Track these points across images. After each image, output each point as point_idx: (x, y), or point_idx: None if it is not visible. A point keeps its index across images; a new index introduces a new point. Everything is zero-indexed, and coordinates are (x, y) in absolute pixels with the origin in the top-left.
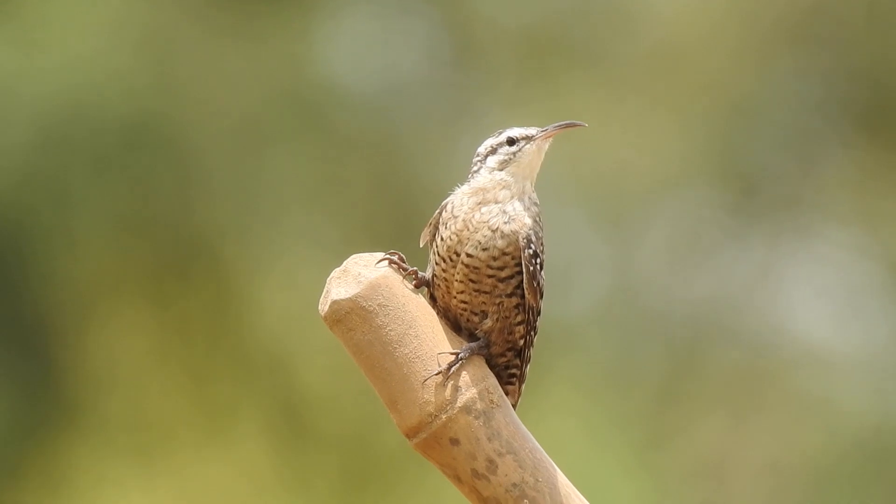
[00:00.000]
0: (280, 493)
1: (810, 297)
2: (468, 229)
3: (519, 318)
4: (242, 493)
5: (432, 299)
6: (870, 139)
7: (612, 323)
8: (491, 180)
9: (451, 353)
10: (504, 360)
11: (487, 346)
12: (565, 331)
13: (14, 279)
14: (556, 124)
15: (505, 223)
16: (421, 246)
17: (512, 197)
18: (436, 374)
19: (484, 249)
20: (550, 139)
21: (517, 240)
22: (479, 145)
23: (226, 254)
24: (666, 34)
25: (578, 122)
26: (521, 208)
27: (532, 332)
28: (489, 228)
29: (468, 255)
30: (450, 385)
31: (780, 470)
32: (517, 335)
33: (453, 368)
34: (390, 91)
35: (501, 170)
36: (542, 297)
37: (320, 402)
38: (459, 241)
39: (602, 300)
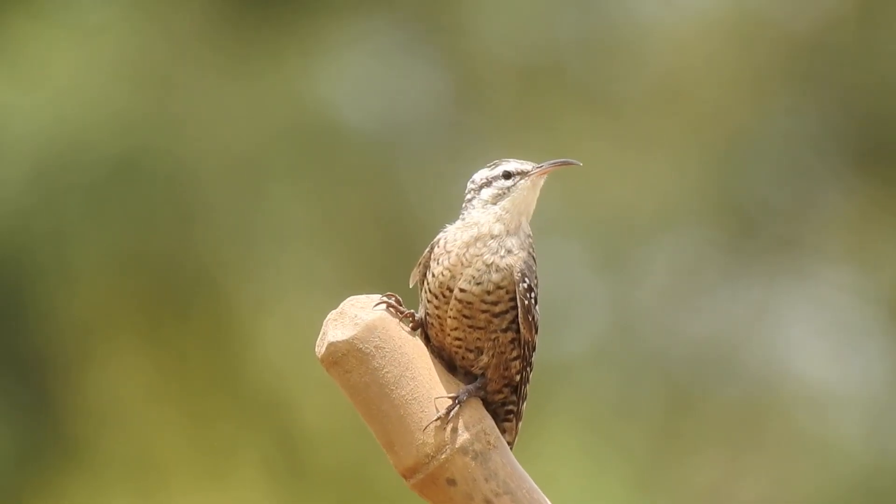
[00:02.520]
0: None
1: (808, 336)
2: (461, 264)
3: (515, 354)
4: None
5: (426, 339)
6: (866, 178)
7: (610, 360)
8: (485, 213)
9: (449, 398)
10: (500, 396)
11: (484, 386)
12: (563, 368)
13: (11, 315)
14: (552, 162)
15: (501, 257)
16: (410, 286)
17: (507, 231)
18: (436, 420)
19: (478, 284)
20: (545, 176)
21: (511, 273)
22: (473, 175)
23: (224, 291)
24: (664, 72)
25: (573, 160)
26: (517, 242)
27: (528, 368)
28: (483, 262)
29: (461, 290)
30: (448, 427)
31: None
32: (513, 371)
33: (452, 412)
34: (391, 129)
35: (495, 203)
36: (537, 331)
37: (319, 441)
38: (452, 277)
39: (600, 338)
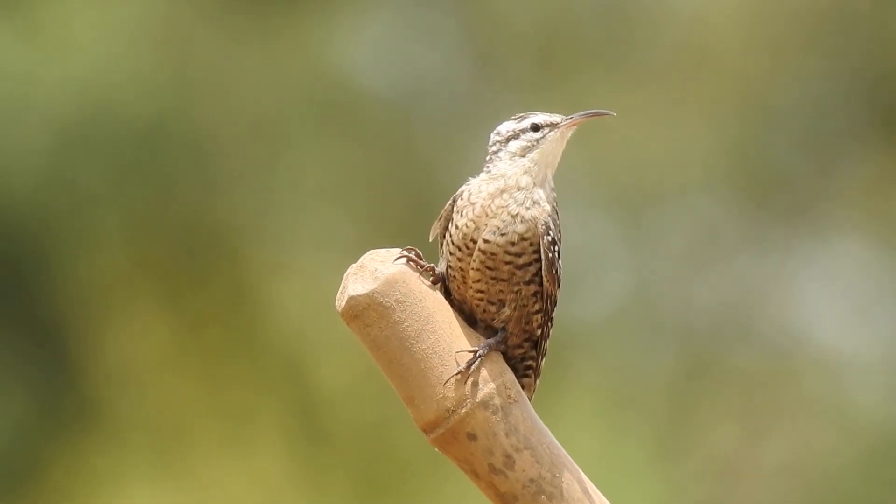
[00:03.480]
0: (296, 497)
1: (825, 302)
2: (486, 215)
3: (537, 307)
4: (258, 495)
5: (447, 293)
6: (884, 144)
7: (629, 326)
8: (512, 165)
9: (469, 352)
10: (521, 351)
11: (505, 340)
12: (582, 333)
13: (33, 281)
14: (582, 113)
15: (527, 209)
16: (430, 240)
17: (534, 184)
18: (456, 374)
19: (502, 234)
20: (574, 128)
21: (536, 225)
22: (497, 127)
23: (243, 254)
24: (684, 36)
25: (605, 111)
26: (543, 195)
27: (549, 323)
28: (508, 213)
29: (485, 241)
30: (468, 381)
31: (795, 474)
32: (534, 324)
33: (473, 366)
34: (408, 92)
35: (523, 156)
36: (559, 285)
37: (337, 404)
38: (476, 228)
39: (619, 303)
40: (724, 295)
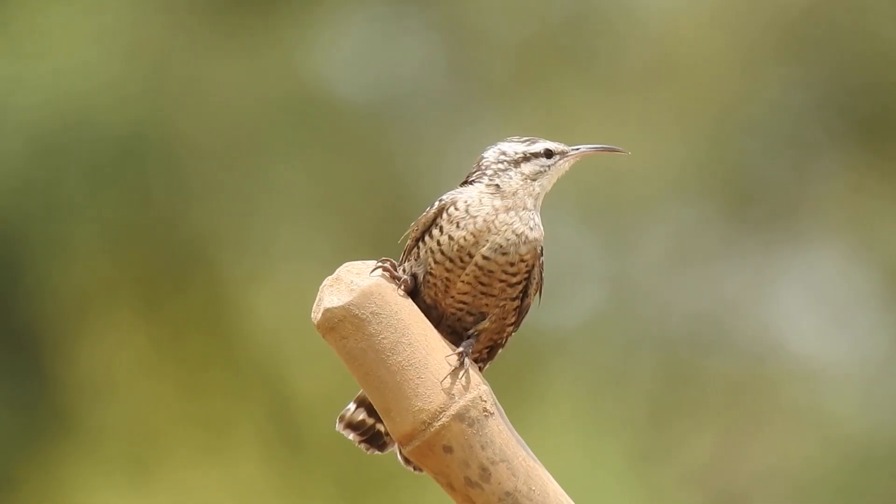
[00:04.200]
0: None
1: (803, 308)
2: (489, 231)
3: (513, 320)
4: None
5: (413, 294)
6: (860, 149)
7: (607, 332)
8: (525, 187)
9: (455, 353)
10: (475, 355)
11: (472, 346)
12: (560, 340)
13: (7, 289)
14: (595, 146)
15: (530, 229)
16: (399, 241)
17: (535, 207)
18: (452, 373)
19: (504, 254)
20: (577, 159)
21: (536, 248)
22: (499, 146)
23: (220, 263)
24: (660, 45)
25: (618, 147)
26: (538, 219)
27: (515, 332)
28: (513, 232)
29: (484, 258)
30: (444, 392)
31: (773, 480)
32: (504, 334)
33: (466, 361)
34: (386, 101)
35: (535, 180)
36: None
37: (315, 412)
38: (476, 242)
39: (597, 310)
40: (701, 302)
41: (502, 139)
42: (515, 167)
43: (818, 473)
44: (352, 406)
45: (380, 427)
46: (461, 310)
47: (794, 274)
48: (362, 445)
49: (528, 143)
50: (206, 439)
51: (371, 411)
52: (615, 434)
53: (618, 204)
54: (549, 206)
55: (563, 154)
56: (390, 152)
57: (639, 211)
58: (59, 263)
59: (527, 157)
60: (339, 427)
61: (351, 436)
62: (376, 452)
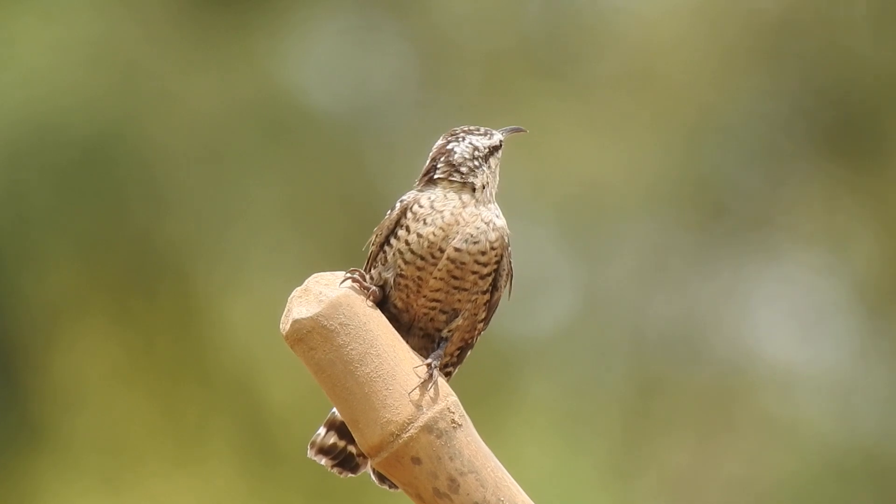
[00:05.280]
0: None
1: (777, 316)
2: (458, 223)
3: (483, 315)
4: None
5: (382, 303)
6: (834, 157)
7: (580, 341)
8: (493, 180)
9: (424, 364)
10: (447, 359)
11: (444, 352)
12: (533, 350)
13: None
14: (506, 128)
15: (497, 217)
16: (364, 249)
17: (493, 199)
18: (420, 385)
19: (475, 243)
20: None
21: (503, 236)
22: (469, 140)
23: (192, 273)
24: (632, 53)
25: (522, 128)
26: (498, 210)
27: (485, 329)
28: (482, 221)
29: (456, 250)
30: (412, 403)
31: (748, 489)
32: (475, 332)
33: (434, 374)
34: (357, 110)
35: (494, 173)
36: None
37: (289, 422)
38: (446, 236)
39: (569, 318)
40: (675, 311)
41: (454, 129)
42: (485, 162)
43: (793, 483)
44: (322, 430)
45: (351, 449)
46: (434, 308)
47: (767, 284)
48: (335, 470)
49: (487, 136)
50: (179, 450)
51: (342, 433)
52: (588, 444)
53: (591, 214)
54: (523, 217)
55: (501, 143)
56: (362, 161)
57: (612, 220)
58: (31, 273)
59: (491, 151)
60: (310, 453)
61: (323, 461)
62: (349, 475)
